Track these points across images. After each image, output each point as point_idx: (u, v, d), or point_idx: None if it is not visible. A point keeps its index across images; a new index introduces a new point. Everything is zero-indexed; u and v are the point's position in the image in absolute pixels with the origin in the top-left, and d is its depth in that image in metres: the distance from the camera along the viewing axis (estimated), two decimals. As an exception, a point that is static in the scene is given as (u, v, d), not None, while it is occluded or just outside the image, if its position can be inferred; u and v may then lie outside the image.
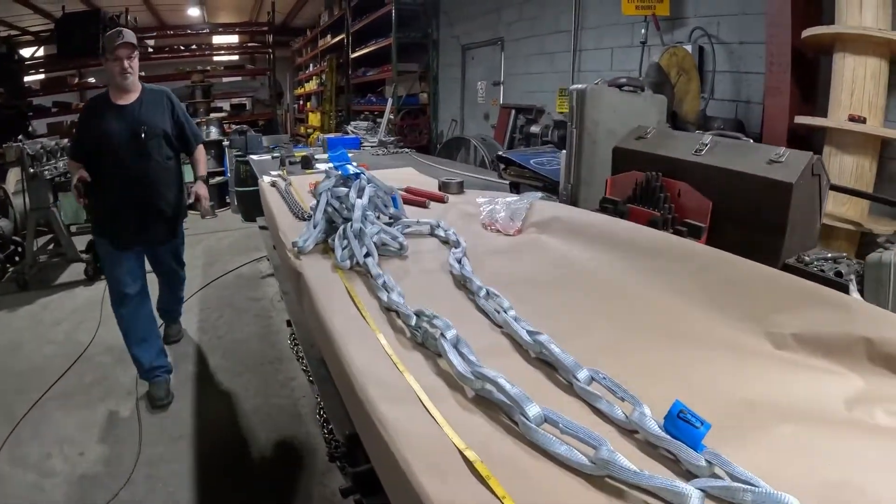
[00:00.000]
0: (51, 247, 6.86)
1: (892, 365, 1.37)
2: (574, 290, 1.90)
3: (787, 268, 2.01)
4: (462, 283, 1.90)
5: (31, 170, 6.21)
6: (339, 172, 2.49)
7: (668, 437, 1.08)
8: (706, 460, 1.03)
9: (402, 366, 1.41)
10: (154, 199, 3.97)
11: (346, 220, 2.28)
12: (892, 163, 4.04)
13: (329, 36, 14.42)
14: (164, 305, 4.89)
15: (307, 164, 4.73)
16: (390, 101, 9.10)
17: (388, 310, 1.73)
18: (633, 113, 2.85)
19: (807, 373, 1.40)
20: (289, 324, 4.37)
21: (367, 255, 2.02)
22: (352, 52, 12.80)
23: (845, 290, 1.81)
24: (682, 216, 2.25)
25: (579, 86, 2.82)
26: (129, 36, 3.90)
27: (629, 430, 1.17)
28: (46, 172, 6.38)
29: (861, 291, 1.88)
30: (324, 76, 14.49)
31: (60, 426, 3.82)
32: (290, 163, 4.94)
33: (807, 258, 2.05)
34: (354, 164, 2.81)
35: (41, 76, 13.80)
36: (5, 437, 3.65)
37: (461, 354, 1.35)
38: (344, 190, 2.39)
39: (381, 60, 11.49)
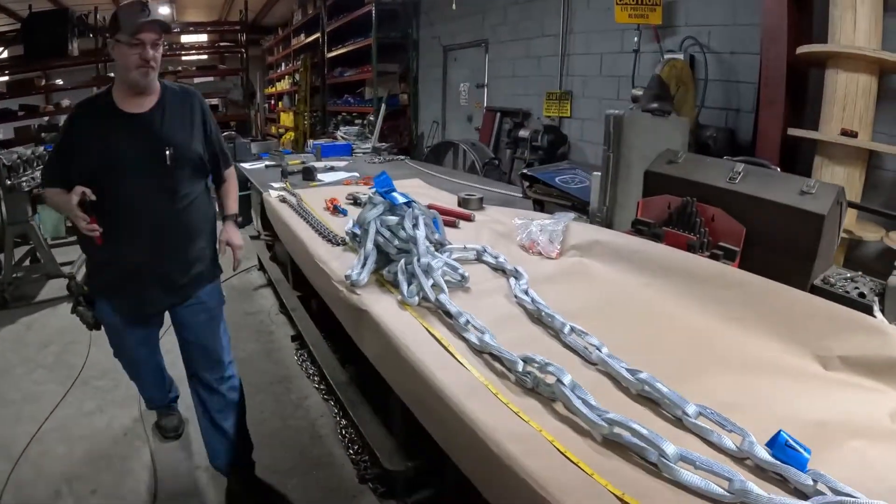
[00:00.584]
0: (27, 262, 6.34)
1: None
2: (634, 319, 2.00)
3: (814, 289, 2.16)
4: (537, 317, 1.97)
5: (9, 181, 5.59)
6: (387, 200, 2.49)
7: (778, 462, 1.25)
8: (812, 479, 1.20)
9: (525, 415, 1.47)
10: (184, 255, 2.68)
11: (400, 251, 2.32)
12: (877, 172, 4.24)
13: (303, 35, 14.28)
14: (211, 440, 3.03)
15: (309, 175, 4.74)
16: (383, 107, 8.99)
17: (482, 352, 1.75)
18: (660, 136, 2.98)
19: (855, 391, 1.60)
20: (293, 339, 4.47)
21: (441, 291, 2.05)
22: (328, 52, 12.64)
23: (869, 310, 1.96)
24: (715, 240, 2.36)
25: (615, 111, 2.93)
26: (158, 12, 2.80)
27: (739, 458, 1.31)
28: (24, 184, 5.78)
29: (882, 311, 2.02)
30: (297, 75, 14.30)
31: (65, 461, 3.35)
32: (290, 173, 4.88)
33: (832, 279, 2.19)
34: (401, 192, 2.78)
35: (6, 78, 13.31)
36: (6, 475, 3.19)
37: (585, 401, 1.44)
38: (394, 219, 2.40)
39: (360, 61, 11.42)
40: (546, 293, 2.14)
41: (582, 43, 6.79)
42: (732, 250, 2.30)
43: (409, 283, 2.12)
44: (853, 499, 1.13)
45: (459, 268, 2.26)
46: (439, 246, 2.52)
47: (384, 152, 6.30)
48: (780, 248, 2.24)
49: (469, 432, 1.46)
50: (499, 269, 2.39)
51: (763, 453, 1.27)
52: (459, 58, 9.59)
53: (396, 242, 2.34)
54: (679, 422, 1.42)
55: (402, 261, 2.22)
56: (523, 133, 6.88)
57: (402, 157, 6.17)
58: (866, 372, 1.65)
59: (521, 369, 1.60)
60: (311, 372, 3.96)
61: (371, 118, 9.83)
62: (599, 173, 3.04)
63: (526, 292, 2.08)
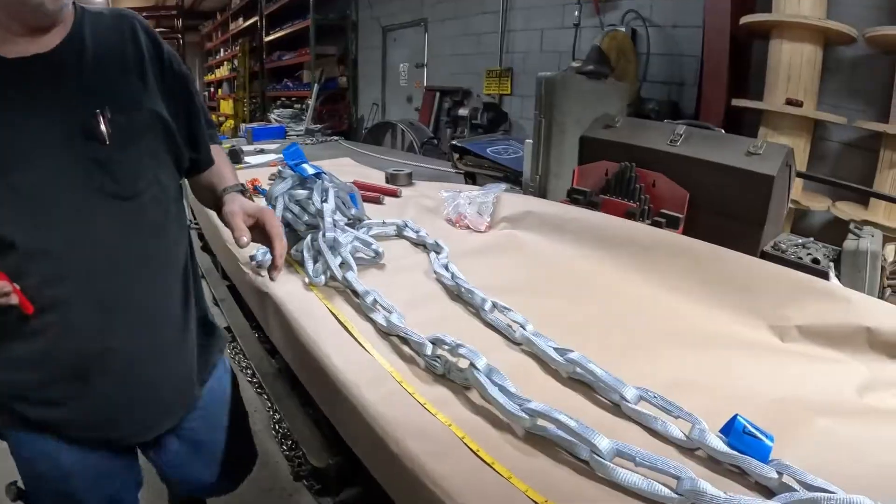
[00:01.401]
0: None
1: (891, 352, 1.42)
2: (568, 292, 1.81)
3: (764, 255, 2.01)
4: (456, 293, 1.76)
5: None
6: (296, 173, 2.23)
7: (736, 452, 1.03)
8: (776, 471, 0.98)
9: (432, 407, 1.25)
10: (164, 318, 1.45)
11: (310, 226, 2.08)
12: (823, 143, 4.23)
13: (241, 19, 13.87)
14: None
15: (235, 157, 4.45)
16: (316, 87, 8.84)
17: (389, 335, 1.53)
18: (598, 101, 2.78)
19: (817, 364, 1.43)
20: (228, 331, 4.18)
21: (348, 269, 1.81)
22: (266, 36, 12.33)
23: (825, 276, 1.83)
24: (657, 207, 2.20)
25: (547, 74, 2.73)
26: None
27: (689, 449, 1.10)
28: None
29: (838, 277, 1.90)
30: (236, 61, 13.93)
31: None
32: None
33: (782, 245, 2.04)
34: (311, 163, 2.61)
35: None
36: None
37: (503, 389, 1.21)
38: (303, 193, 2.15)
39: (298, 43, 11.11)
40: (471, 268, 1.93)
41: (522, 19, 6.63)
42: (675, 217, 2.13)
43: (315, 261, 1.89)
44: (828, 494, 0.92)
45: (373, 243, 2.02)
46: (357, 222, 2.30)
47: (318, 133, 6.07)
48: (727, 213, 2.09)
49: (368, 428, 1.23)
50: (420, 245, 2.16)
51: (717, 442, 1.05)
52: (399, 38, 9.40)
53: (306, 218, 2.09)
54: (617, 408, 1.21)
55: (309, 237, 1.98)
56: (462, 111, 6.76)
57: (337, 138, 5.93)
58: (828, 342, 1.49)
59: (429, 353, 1.38)
60: (243, 365, 3.72)
61: (310, 102, 9.61)
62: (531, 140, 2.82)
63: (446, 267, 1.86)
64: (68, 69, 1.32)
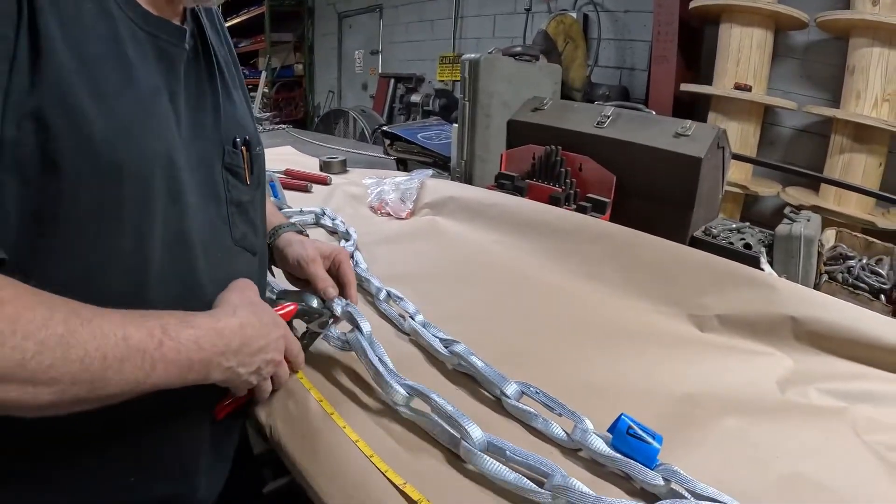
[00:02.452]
0: None
1: (817, 342, 1.31)
2: (480, 280, 1.71)
3: (694, 241, 1.93)
4: (358, 282, 1.65)
5: None
6: None
7: (618, 455, 0.93)
8: (663, 478, 0.88)
9: (306, 381, 1.17)
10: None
11: None
12: (773, 128, 4.23)
13: (197, 5, 13.60)
14: None
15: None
16: (264, 73, 8.71)
17: None
18: (528, 83, 2.68)
19: (737, 356, 1.32)
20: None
21: None
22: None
23: (756, 262, 1.75)
24: (584, 191, 2.11)
25: (472, 55, 2.62)
26: None
27: (571, 449, 1.00)
28: None
29: (770, 263, 1.81)
30: (190, 49, 13.71)
31: None
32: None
33: (714, 230, 1.96)
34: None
35: None
36: None
37: (382, 361, 1.13)
38: None
39: (254, 31, 10.85)
40: (381, 255, 1.86)
41: (475, 4, 6.59)
42: (602, 201, 2.04)
43: None
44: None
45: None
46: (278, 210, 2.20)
47: (265, 122, 5.94)
48: (655, 197, 2.00)
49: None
50: (336, 233, 2.07)
51: (599, 444, 0.94)
52: (354, 24, 9.33)
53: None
54: (499, 404, 1.12)
55: None
56: (415, 98, 6.67)
57: (285, 126, 5.80)
58: (750, 332, 1.38)
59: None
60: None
61: (265, 90, 9.48)
62: (457, 125, 2.73)
63: (352, 255, 1.77)
64: (204, 62, 1.04)
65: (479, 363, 1.15)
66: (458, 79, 6.40)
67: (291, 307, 1.12)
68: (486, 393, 1.15)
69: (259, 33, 10.56)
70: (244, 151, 1.09)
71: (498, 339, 1.34)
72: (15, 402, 0.67)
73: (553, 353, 1.32)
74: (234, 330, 0.90)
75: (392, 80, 7.63)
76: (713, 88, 4.14)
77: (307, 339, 1.19)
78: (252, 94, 9.02)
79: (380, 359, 1.13)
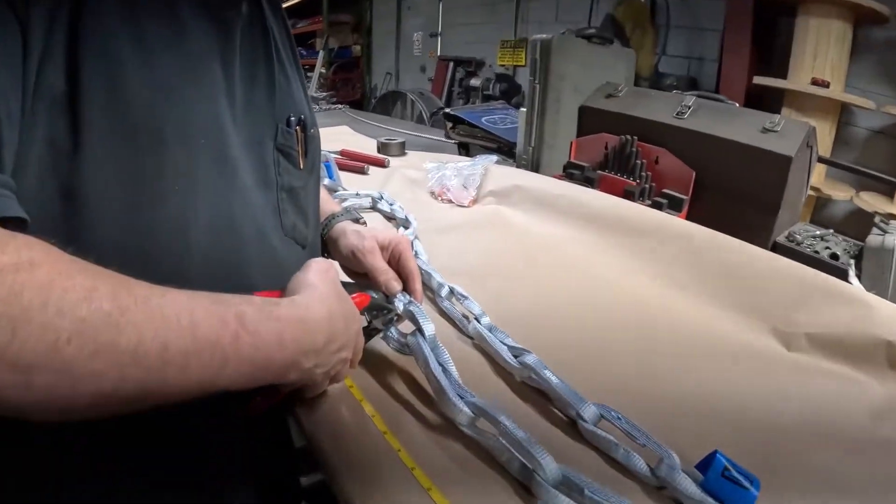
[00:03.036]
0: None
1: None
2: (549, 278, 1.57)
3: (776, 247, 1.77)
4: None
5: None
6: None
7: (710, 499, 0.79)
8: None
9: (358, 392, 1.04)
10: None
11: None
12: (848, 128, 4.03)
13: (257, -17, 13.63)
14: None
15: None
16: (320, 53, 8.65)
17: None
18: (601, 68, 2.55)
19: (826, 381, 1.15)
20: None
21: None
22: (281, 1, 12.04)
23: (844, 275, 1.57)
24: (660, 186, 1.97)
25: (542, 35, 2.49)
26: None
27: (655, 487, 0.86)
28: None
29: (858, 276, 1.65)
30: (250, 28, 13.78)
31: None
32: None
33: (798, 237, 1.80)
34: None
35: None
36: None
37: (446, 371, 1.00)
38: None
39: (312, 11, 10.78)
40: (442, 246, 1.73)
41: (538, -13, 6.35)
42: (679, 198, 1.90)
43: None
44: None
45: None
46: (330, 192, 2.08)
47: (322, 101, 5.86)
48: (737, 197, 1.84)
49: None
50: (393, 219, 1.96)
51: (688, 485, 0.80)
52: (413, 6, 9.20)
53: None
54: (574, 427, 0.97)
55: None
56: (475, 82, 6.55)
57: (342, 106, 5.72)
58: (841, 355, 1.20)
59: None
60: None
61: (322, 70, 9.45)
62: (525, 109, 2.60)
63: (411, 245, 1.66)
64: (260, 34, 0.93)
65: (553, 379, 1.01)
66: (520, 63, 6.31)
67: (365, 297, 0.99)
68: (560, 413, 1.01)
69: (317, 14, 10.42)
70: (299, 132, 0.99)
71: (570, 348, 1.21)
72: (42, 401, 0.51)
73: (622, 367, 1.18)
74: (323, 323, 0.79)
75: (451, 64, 7.50)
76: (788, 83, 3.92)
77: (365, 335, 1.04)
78: (308, 74, 9.01)
79: (444, 367, 1.00)
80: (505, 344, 1.15)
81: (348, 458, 0.89)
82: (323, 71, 8.79)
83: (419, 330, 1.04)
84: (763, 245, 1.65)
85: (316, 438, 0.95)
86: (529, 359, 1.06)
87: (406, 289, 1.13)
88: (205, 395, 0.63)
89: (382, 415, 0.98)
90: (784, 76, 3.99)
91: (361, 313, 0.98)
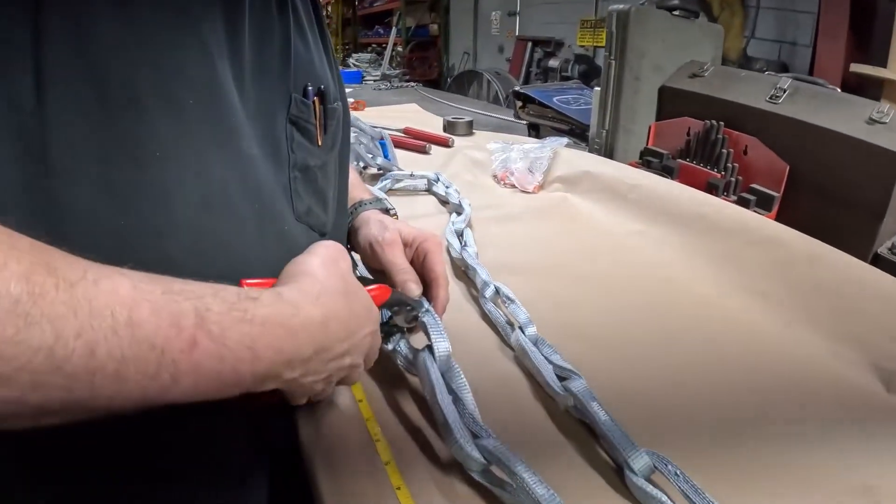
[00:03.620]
0: None
1: None
2: (615, 281, 1.36)
3: (878, 259, 1.50)
4: (463, 269, 1.36)
5: None
6: None
7: None
8: None
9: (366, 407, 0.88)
10: None
11: None
12: None
13: (335, -37, 13.67)
14: None
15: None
16: (394, 30, 8.59)
17: None
18: (685, 45, 2.32)
19: None
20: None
21: None
22: (358, -21, 11.93)
23: None
24: (747, 180, 1.76)
25: (620, 6, 2.27)
26: None
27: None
28: None
29: None
30: (329, 7, 13.84)
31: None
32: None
33: (904, 249, 1.55)
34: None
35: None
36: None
37: (457, 398, 0.81)
38: None
39: (390, -11, 10.88)
40: (497, 236, 1.56)
41: (622, -36, 6.11)
42: (769, 195, 1.68)
43: None
44: None
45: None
46: (385, 172, 1.99)
47: (394, 78, 5.76)
48: (836, 197, 1.61)
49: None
50: (447, 203, 1.80)
51: None
52: (492, -16, 8.99)
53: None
54: (620, 476, 0.78)
55: None
56: (553, 63, 6.35)
57: (414, 84, 5.61)
58: None
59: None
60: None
61: (399, 48, 9.40)
62: (599, 88, 2.39)
63: (461, 234, 1.49)
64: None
65: (601, 414, 0.82)
66: (600, 44, 6.09)
67: (385, 289, 0.83)
68: (605, 456, 0.82)
69: (394, -8, 10.45)
70: (317, 104, 0.83)
71: (629, 372, 1.01)
72: None
73: (680, 401, 0.95)
74: (314, 329, 0.63)
75: (529, 44, 7.27)
76: (889, 72, 3.59)
77: (382, 333, 0.89)
78: (382, 51, 8.99)
79: (456, 395, 0.82)
80: (551, 362, 0.96)
81: (337, 483, 0.77)
82: (399, 49, 8.74)
83: (429, 348, 0.87)
84: (863, 256, 1.41)
85: (310, 460, 0.82)
86: (576, 385, 0.87)
87: (428, 294, 0.96)
88: (151, 407, 0.50)
89: (388, 437, 0.84)
90: (884, 64, 3.70)
91: (381, 308, 0.82)
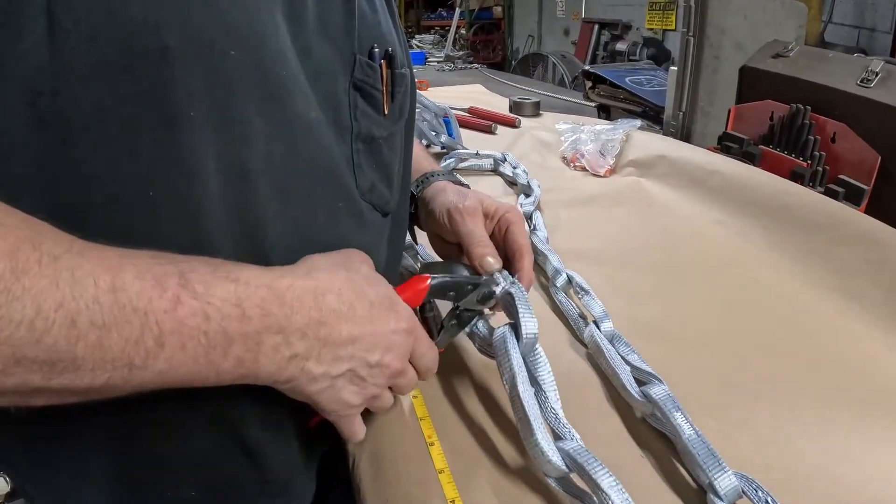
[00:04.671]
0: None
1: None
2: (694, 274, 1.26)
3: None
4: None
5: None
6: None
7: None
8: None
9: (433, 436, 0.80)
10: None
11: None
12: None
13: (397, -57, 13.73)
14: None
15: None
16: (457, 11, 8.56)
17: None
18: (768, 23, 2.19)
19: None
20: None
21: None
22: (421, -39, 12.02)
23: None
24: (835, 170, 1.65)
25: (700, -22, 2.18)
26: None
27: None
28: None
29: None
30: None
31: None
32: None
33: None
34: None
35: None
36: None
37: (542, 398, 0.73)
38: None
39: (453, -28, 10.88)
40: (567, 221, 1.48)
41: (694, -57, 5.98)
42: (859, 188, 1.57)
43: None
44: None
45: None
46: (448, 151, 1.93)
47: (458, 60, 5.70)
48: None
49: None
50: (515, 184, 1.72)
51: None
52: (558, -36, 8.93)
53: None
54: (702, 498, 0.69)
55: None
56: (620, 46, 6.26)
57: (478, 66, 5.55)
58: None
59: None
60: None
61: (462, 31, 9.37)
62: (675, 67, 2.29)
63: (529, 217, 1.41)
64: None
65: (684, 428, 0.72)
66: (669, 27, 5.97)
67: (422, 283, 0.74)
68: (686, 474, 0.73)
69: (458, -27, 10.44)
70: (384, 67, 0.75)
71: (713, 377, 0.91)
72: None
73: (767, 414, 0.83)
74: (304, 296, 0.57)
75: (596, 26, 7.16)
76: (980, 59, 3.49)
77: (450, 328, 0.80)
78: (445, 34, 8.95)
79: (539, 388, 0.74)
80: (628, 363, 0.87)
81: (384, 490, 0.72)
82: (463, 32, 8.70)
83: (514, 326, 0.76)
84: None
85: (356, 461, 0.78)
86: (657, 391, 0.77)
87: (510, 268, 0.86)
88: (140, 388, 0.50)
89: (444, 441, 0.77)
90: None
91: (427, 302, 0.75)
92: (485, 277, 0.80)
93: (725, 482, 0.66)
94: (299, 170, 0.65)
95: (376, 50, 0.74)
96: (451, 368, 0.90)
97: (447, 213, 0.89)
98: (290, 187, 0.64)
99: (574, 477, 0.66)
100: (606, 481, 0.61)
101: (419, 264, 0.94)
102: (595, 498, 0.62)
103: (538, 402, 0.71)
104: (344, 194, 0.72)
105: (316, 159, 0.67)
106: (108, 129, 0.51)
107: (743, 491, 0.66)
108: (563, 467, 0.65)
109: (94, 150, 0.51)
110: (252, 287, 0.53)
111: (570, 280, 1.11)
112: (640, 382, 0.82)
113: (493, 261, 0.83)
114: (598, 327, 0.96)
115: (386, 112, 0.76)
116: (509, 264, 0.87)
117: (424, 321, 0.77)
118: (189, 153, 0.55)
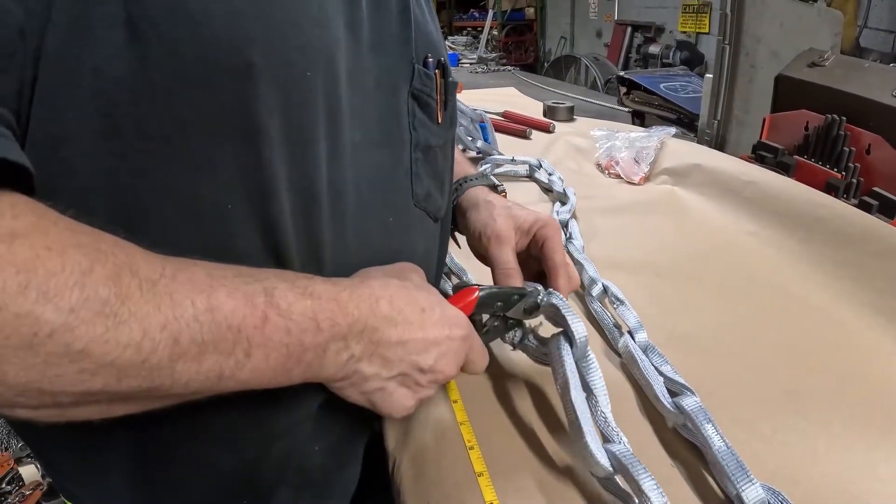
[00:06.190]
0: None
1: None
2: (728, 285, 1.25)
3: None
4: (568, 265, 1.29)
5: None
6: None
7: None
8: None
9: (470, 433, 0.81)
10: None
11: None
12: None
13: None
14: None
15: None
16: (490, 13, 8.54)
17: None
18: (804, 31, 2.17)
19: None
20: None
21: None
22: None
23: None
24: (869, 182, 1.64)
25: (737, -14, 2.18)
26: None
27: None
28: None
29: None
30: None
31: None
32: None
33: None
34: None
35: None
36: None
37: (591, 398, 0.75)
38: None
39: (485, -27, 10.88)
40: (602, 229, 1.49)
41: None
42: (893, 201, 1.56)
43: None
44: None
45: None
46: (484, 156, 1.96)
47: (490, 62, 5.71)
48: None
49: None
50: (551, 191, 1.73)
51: None
52: (590, -34, 8.91)
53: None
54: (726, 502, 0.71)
55: None
56: (653, 49, 6.25)
57: (511, 68, 5.55)
58: None
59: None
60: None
61: (494, 32, 9.36)
62: (711, 75, 2.29)
63: (565, 225, 1.43)
64: None
65: (715, 440, 0.73)
66: (703, 30, 5.95)
67: (471, 294, 0.74)
68: (714, 485, 0.74)
69: (490, -26, 10.43)
70: (438, 77, 0.77)
71: (743, 389, 0.91)
72: (21, 403, 0.43)
73: (797, 427, 0.83)
74: (362, 304, 0.60)
75: (629, 29, 7.15)
76: None
77: (493, 329, 0.81)
78: (477, 35, 8.93)
79: (591, 393, 0.75)
80: (661, 374, 0.89)
81: (423, 492, 0.73)
82: (495, 33, 8.70)
83: (566, 333, 0.77)
84: None
85: (396, 463, 0.80)
86: (689, 403, 0.78)
87: (546, 284, 0.86)
88: (219, 393, 0.53)
89: (483, 445, 0.78)
90: None
91: (475, 314, 0.76)
92: (530, 289, 0.81)
93: (753, 494, 0.67)
94: (355, 189, 0.68)
95: (430, 59, 0.76)
96: (490, 375, 0.92)
97: (478, 235, 0.90)
98: (347, 206, 0.67)
99: (619, 479, 0.68)
100: (648, 484, 0.63)
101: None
102: (636, 499, 0.64)
103: (589, 406, 0.73)
104: (397, 208, 0.75)
105: (370, 178, 0.70)
106: (188, 142, 0.54)
107: (769, 503, 0.67)
108: (609, 468, 0.67)
109: (173, 161, 0.54)
110: (324, 301, 0.56)
111: (605, 290, 1.12)
112: (672, 393, 0.84)
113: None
114: (632, 337, 0.97)
115: (440, 120, 0.79)
116: (545, 281, 0.87)
117: None
118: (267, 170, 0.58)
